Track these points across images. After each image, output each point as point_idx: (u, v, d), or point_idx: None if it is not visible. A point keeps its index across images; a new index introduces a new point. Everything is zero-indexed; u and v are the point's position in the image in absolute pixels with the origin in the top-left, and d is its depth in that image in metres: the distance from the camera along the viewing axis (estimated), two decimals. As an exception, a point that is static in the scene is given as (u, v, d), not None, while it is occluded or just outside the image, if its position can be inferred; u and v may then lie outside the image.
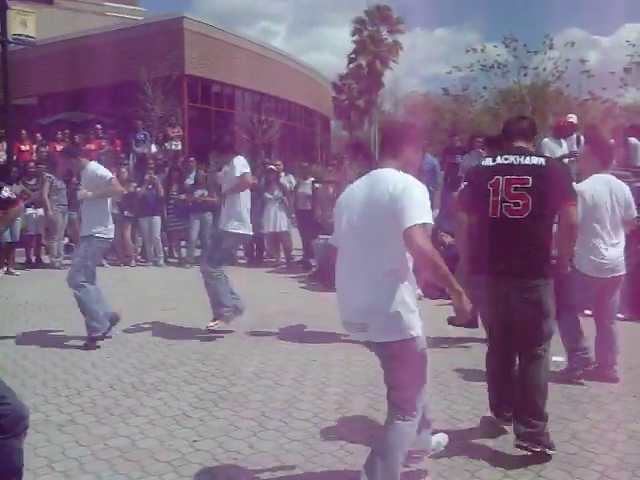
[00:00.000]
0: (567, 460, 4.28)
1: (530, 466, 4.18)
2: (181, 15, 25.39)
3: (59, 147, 17.41)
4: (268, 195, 13.05)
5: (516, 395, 4.40)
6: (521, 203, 4.22)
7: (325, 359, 6.60)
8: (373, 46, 48.97)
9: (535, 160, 4.31)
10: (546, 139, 11.69)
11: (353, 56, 49.81)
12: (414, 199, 3.37)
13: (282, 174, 13.75)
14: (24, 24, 17.70)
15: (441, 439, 4.26)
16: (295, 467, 4.21)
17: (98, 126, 18.61)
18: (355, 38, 49.45)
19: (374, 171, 3.68)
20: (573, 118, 12.36)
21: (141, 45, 24.33)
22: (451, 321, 6.57)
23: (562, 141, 11.35)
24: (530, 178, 4.23)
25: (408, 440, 3.57)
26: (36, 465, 4.23)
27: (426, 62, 77.52)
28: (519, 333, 4.43)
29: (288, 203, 13.18)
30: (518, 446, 4.27)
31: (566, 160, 10.85)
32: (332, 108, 45.84)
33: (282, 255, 13.34)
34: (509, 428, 4.54)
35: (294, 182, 13.74)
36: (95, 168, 7.39)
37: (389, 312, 3.39)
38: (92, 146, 17.39)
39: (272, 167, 13.62)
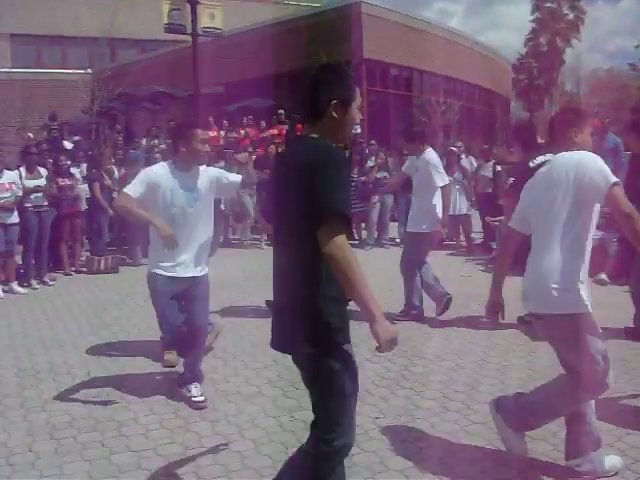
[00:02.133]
0: None
1: None
2: (359, 0, 25.56)
3: (243, 132, 18.21)
4: (449, 178, 12.88)
5: None
6: None
7: (507, 342, 6.47)
8: (553, 22, 47.04)
9: None
10: None
11: (531, 35, 48.09)
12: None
13: (463, 156, 13.55)
14: (212, 17, 18.51)
15: (616, 462, 3.81)
16: (476, 448, 4.17)
17: (281, 111, 19.15)
18: (535, 15, 47.71)
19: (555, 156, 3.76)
20: None
21: (321, 31, 24.69)
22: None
23: None
24: None
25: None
26: (228, 432, 4.48)
27: (610, 36, 73.36)
28: None
29: (468, 186, 12.97)
30: None
31: None
32: (511, 88, 44.49)
33: (462, 238, 13.15)
34: None
35: (475, 164, 13.50)
36: None
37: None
38: (274, 131, 17.96)
39: (453, 149, 13.45)
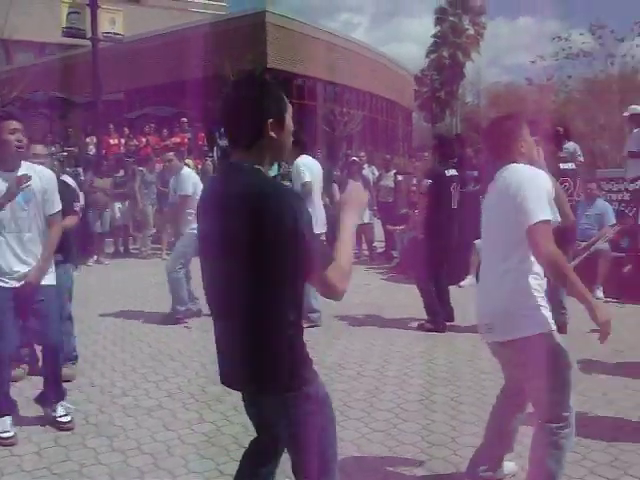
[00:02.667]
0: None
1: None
2: (263, 10, 25.62)
3: (144, 140, 17.91)
4: (351, 187, 13.04)
5: None
6: None
7: (407, 350, 6.57)
8: (454, 37, 48.38)
9: None
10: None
11: (434, 48, 49.33)
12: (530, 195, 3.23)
13: (365, 166, 13.73)
14: (112, 22, 18.18)
15: (512, 467, 3.88)
16: (377, 457, 4.21)
17: (184, 119, 18.95)
18: (437, 29, 48.97)
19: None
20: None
21: (225, 40, 24.64)
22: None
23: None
24: None
25: (557, 453, 3.32)
26: (126, 447, 4.37)
27: (509, 52, 76.06)
28: None
29: (370, 195, 13.15)
30: None
31: None
32: (414, 100, 45.49)
33: (364, 247, 13.31)
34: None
35: (376, 174, 13.70)
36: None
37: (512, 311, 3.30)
38: (177, 139, 17.75)
39: (355, 159, 13.61)
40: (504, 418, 3.69)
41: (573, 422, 3.30)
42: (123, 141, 18.19)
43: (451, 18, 48.70)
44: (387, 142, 32.30)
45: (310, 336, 6.86)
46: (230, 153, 2.59)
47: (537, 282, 3.30)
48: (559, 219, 3.29)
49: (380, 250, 13.21)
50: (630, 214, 9.76)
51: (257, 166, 2.50)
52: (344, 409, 5.00)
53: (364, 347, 6.73)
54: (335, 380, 5.69)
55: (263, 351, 2.48)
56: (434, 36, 49.27)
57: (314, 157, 8.30)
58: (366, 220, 12.95)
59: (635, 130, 10.94)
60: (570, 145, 11.27)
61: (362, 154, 14.34)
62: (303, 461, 2.62)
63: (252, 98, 2.51)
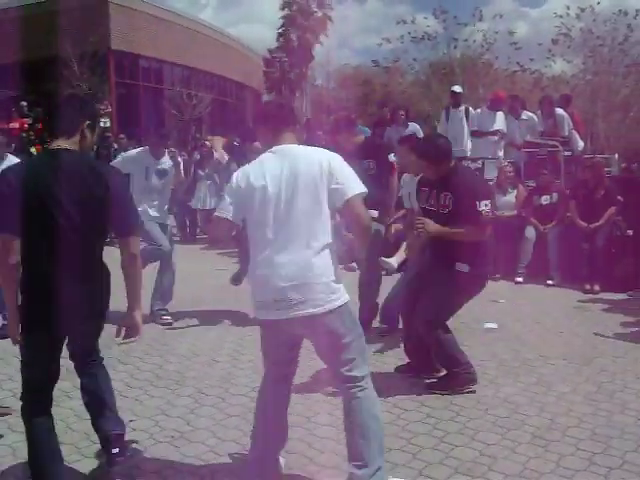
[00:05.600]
0: (500, 424, 4.39)
1: (464, 430, 4.29)
2: (105, -12, 24.75)
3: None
4: (200, 172, 12.90)
5: None
6: None
7: (258, 334, 6.55)
8: (303, 19, 48.62)
9: None
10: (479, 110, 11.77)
11: (282, 30, 49.35)
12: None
13: (214, 151, 13.60)
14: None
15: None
16: (233, 442, 4.21)
17: (23, 103, 18.00)
18: (285, 12, 49.01)
19: (281, 147, 3.56)
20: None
21: (64, 19, 23.55)
22: None
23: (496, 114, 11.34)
24: None
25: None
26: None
27: (357, 35, 77.31)
28: None
29: (219, 180, 13.03)
30: None
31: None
32: (264, 82, 45.46)
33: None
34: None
35: (226, 158, 13.57)
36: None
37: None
38: (16, 125, 16.85)
39: (206, 142, 13.46)
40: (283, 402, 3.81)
41: None
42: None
43: (299, 1, 48.84)
44: (237, 125, 32.15)
45: (159, 324, 6.76)
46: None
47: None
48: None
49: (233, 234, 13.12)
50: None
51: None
52: (198, 396, 4.97)
53: (217, 334, 6.71)
54: (188, 368, 5.65)
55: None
56: (283, 18, 49.30)
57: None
58: (214, 206, 12.85)
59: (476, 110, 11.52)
60: (412, 126, 11.73)
61: (210, 137, 14.23)
62: None
63: (77, 104, 3.61)
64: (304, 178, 3.38)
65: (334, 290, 3.37)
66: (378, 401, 3.58)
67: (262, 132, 3.71)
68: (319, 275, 3.34)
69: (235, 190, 3.50)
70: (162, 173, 7.26)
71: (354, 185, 3.41)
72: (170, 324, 6.96)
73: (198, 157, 13.53)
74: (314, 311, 3.32)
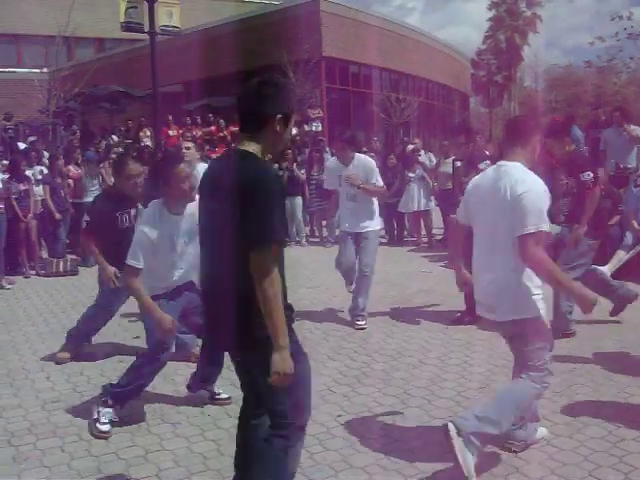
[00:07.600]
0: None
1: None
2: (317, -3, 25.54)
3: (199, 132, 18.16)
4: (410, 174, 12.95)
5: None
6: None
7: (468, 338, 6.51)
8: (511, 20, 47.48)
9: None
10: None
11: (490, 32, 48.48)
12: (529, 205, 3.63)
13: (422, 152, 13.63)
14: (170, 15, 18.35)
15: (545, 431, 4.23)
16: (439, 444, 4.19)
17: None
18: (492, 13, 48.11)
19: (502, 163, 3.90)
20: None
21: (280, 30, 24.61)
22: None
23: None
24: None
25: (524, 401, 3.84)
26: (189, 433, 4.43)
27: (567, 33, 74.27)
28: None
29: (429, 181, 13.03)
30: None
31: None
32: (470, 85, 44.86)
33: (423, 234, 13.22)
34: None
35: (434, 160, 13.57)
36: None
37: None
38: (235, 128, 17.87)
39: (412, 145, 13.52)
40: None
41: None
42: (181, 132, 18.45)
43: (507, 1, 47.74)
44: (444, 128, 31.93)
45: (368, 324, 6.90)
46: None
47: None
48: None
49: (439, 237, 13.09)
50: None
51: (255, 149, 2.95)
52: (405, 397, 5.01)
53: (425, 335, 6.71)
54: (395, 368, 5.69)
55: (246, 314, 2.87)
56: (490, 19, 48.44)
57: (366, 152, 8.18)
58: (425, 207, 12.89)
59: None
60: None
61: (417, 140, 14.24)
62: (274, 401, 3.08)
63: (267, 94, 2.96)
64: None
65: None
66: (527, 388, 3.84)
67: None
68: None
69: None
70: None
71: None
72: (363, 329, 6.99)
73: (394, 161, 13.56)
74: None
